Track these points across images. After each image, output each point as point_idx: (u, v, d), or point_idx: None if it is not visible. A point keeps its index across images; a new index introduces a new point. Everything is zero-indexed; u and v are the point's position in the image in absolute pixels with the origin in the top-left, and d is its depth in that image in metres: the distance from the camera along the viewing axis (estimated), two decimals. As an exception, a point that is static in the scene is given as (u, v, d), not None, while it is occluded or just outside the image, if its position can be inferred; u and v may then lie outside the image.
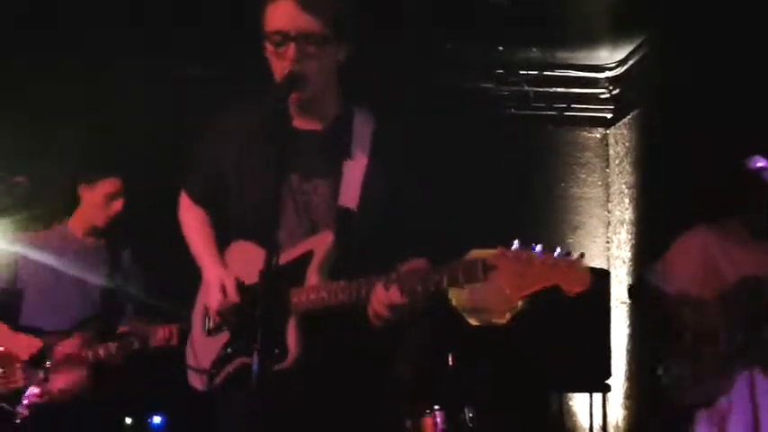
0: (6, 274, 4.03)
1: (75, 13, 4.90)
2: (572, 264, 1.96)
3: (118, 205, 4.04)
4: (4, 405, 3.81)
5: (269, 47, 2.34)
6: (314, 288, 2.31)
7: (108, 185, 4.04)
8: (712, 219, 3.67)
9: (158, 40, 5.12)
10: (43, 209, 4.44)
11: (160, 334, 3.92)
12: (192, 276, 2.60)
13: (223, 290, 2.39)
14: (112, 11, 4.89)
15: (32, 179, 4.19)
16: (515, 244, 2.00)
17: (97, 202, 4.05)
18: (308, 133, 2.43)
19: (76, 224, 4.12)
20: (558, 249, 1.98)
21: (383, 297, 2.19)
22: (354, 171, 2.39)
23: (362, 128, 2.46)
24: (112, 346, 3.91)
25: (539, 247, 1.98)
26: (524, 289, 1.97)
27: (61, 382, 3.86)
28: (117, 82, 5.21)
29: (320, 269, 2.33)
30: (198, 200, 2.64)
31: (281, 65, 2.33)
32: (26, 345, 3.89)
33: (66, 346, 3.89)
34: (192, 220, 2.63)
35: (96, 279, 4.06)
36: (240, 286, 2.39)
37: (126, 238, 4.19)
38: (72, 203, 4.14)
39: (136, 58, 5.20)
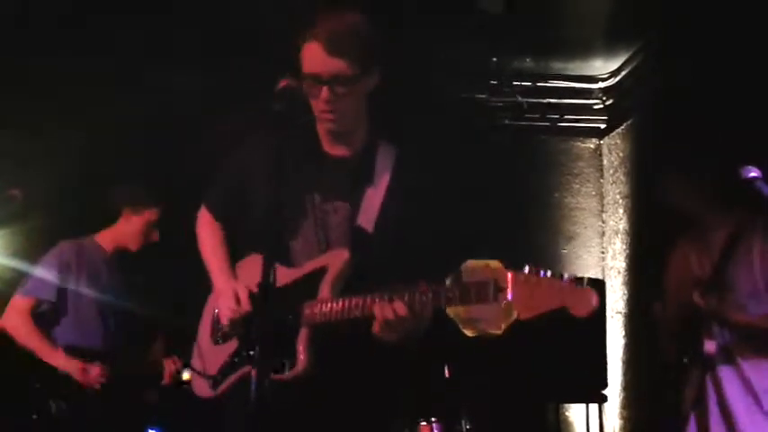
0: (51, 286, 3.95)
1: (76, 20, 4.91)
2: (579, 288, 2.05)
3: (155, 236, 4.06)
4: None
5: (305, 85, 2.45)
6: (328, 302, 2.39)
7: (152, 214, 4.06)
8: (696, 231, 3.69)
9: (158, 47, 5.12)
10: (39, 220, 4.43)
11: (168, 369, 4.00)
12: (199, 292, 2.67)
13: (236, 298, 2.47)
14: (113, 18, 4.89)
15: (29, 189, 4.16)
16: (526, 268, 2.09)
17: (138, 227, 4.07)
18: (335, 159, 2.56)
19: (107, 239, 4.10)
20: (566, 275, 2.08)
21: (388, 310, 2.27)
22: (375, 195, 2.52)
23: (385, 157, 2.58)
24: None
25: (548, 273, 2.08)
26: (534, 310, 2.07)
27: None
28: (116, 90, 5.23)
29: (333, 285, 2.42)
30: (218, 216, 2.72)
31: (317, 105, 2.47)
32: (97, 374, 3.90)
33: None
34: (209, 236, 2.72)
35: (119, 299, 4.05)
36: (252, 296, 2.46)
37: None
38: (100, 217, 4.14)
39: (135, 66, 5.21)
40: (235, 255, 2.69)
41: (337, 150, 2.56)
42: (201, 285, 2.68)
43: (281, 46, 2.60)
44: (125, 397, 3.96)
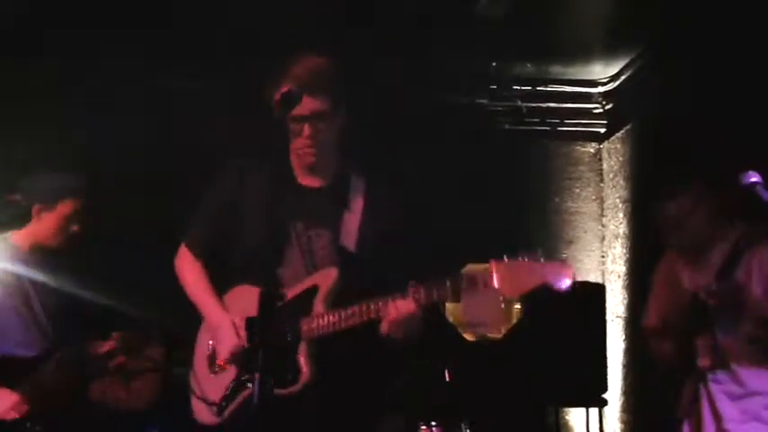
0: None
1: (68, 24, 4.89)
2: (556, 264, 2.28)
3: (75, 228, 3.93)
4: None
5: (286, 122, 2.64)
6: (324, 315, 2.55)
7: (67, 208, 3.90)
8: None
9: (156, 55, 5.13)
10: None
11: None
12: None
13: (236, 333, 2.62)
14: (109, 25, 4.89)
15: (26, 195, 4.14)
16: (504, 258, 2.30)
17: (54, 224, 3.90)
18: (311, 190, 2.76)
19: (21, 239, 3.95)
20: (541, 257, 2.29)
21: (402, 306, 2.44)
22: (352, 218, 2.71)
23: (358, 181, 2.78)
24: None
25: (525, 258, 2.29)
26: (518, 290, 2.27)
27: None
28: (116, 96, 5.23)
29: (326, 300, 2.59)
30: (198, 255, 2.87)
31: (297, 141, 2.69)
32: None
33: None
34: (192, 273, 2.87)
35: (47, 297, 3.87)
36: (250, 322, 2.56)
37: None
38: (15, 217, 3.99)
39: (133, 75, 5.22)
40: (220, 286, 2.83)
41: (311, 182, 2.76)
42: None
43: (280, 48, 2.68)
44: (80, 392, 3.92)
